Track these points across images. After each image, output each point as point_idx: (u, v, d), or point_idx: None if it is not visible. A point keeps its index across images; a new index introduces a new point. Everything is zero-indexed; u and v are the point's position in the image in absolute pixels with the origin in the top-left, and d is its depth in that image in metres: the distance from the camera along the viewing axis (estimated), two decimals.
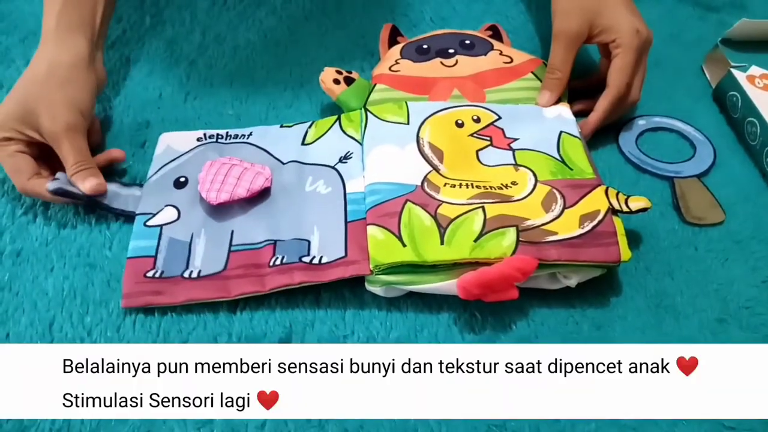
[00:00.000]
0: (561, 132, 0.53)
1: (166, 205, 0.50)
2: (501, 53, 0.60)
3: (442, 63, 0.59)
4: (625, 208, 0.47)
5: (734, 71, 0.60)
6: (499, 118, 0.55)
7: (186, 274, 0.47)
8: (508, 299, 0.43)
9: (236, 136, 0.56)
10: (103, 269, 0.48)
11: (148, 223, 0.49)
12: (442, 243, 0.45)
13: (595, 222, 0.46)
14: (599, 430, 0.41)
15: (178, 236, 0.49)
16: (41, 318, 0.45)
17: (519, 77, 0.58)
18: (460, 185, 0.49)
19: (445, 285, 0.45)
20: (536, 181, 0.49)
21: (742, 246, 0.51)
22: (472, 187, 0.49)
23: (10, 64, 0.64)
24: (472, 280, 0.43)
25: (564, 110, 0.55)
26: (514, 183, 0.49)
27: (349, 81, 0.57)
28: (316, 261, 0.46)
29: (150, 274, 0.46)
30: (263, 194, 0.51)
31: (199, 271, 0.47)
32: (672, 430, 0.41)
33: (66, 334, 0.45)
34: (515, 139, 0.53)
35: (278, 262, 0.47)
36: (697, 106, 0.62)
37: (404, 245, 0.45)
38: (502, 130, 0.54)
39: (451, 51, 0.60)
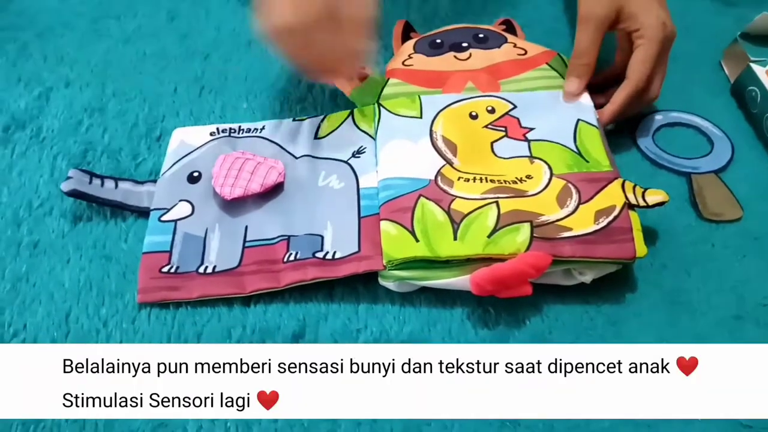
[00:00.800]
0: (578, 120, 0.53)
1: (180, 200, 0.51)
2: (515, 45, 0.60)
3: (455, 57, 0.59)
4: (642, 203, 0.46)
5: (753, 66, 0.59)
6: (515, 107, 0.54)
7: (201, 270, 0.47)
8: (522, 295, 0.43)
9: (249, 130, 0.56)
10: (119, 261, 0.48)
11: (162, 219, 0.49)
12: (455, 238, 0.45)
13: (610, 218, 0.45)
14: (613, 428, 0.41)
15: (193, 231, 0.49)
16: (58, 309, 0.46)
17: (533, 68, 0.57)
18: (474, 179, 0.49)
19: (459, 280, 0.44)
20: (551, 174, 0.49)
21: (759, 243, 0.50)
22: (486, 181, 0.49)
23: (28, 59, 0.65)
24: (485, 276, 0.43)
25: (583, 95, 0.54)
26: (528, 177, 0.49)
27: (362, 77, 0.57)
28: (329, 256, 0.47)
29: (165, 269, 0.47)
30: (276, 189, 0.51)
31: (214, 267, 0.47)
32: (687, 428, 0.41)
33: (82, 326, 0.45)
34: (531, 129, 0.53)
35: (292, 258, 0.47)
36: (715, 101, 0.61)
37: (417, 240, 0.45)
38: (518, 119, 0.53)
39: (464, 45, 0.59)
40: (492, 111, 0.54)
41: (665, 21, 0.52)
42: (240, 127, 0.56)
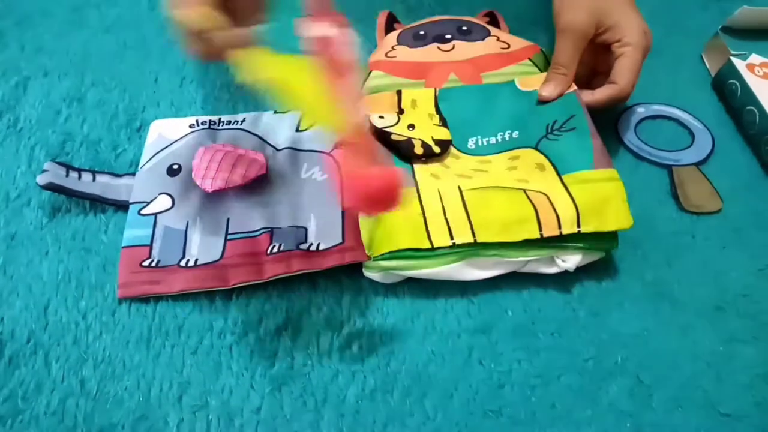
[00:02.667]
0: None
1: (160, 193, 0.50)
2: (498, 39, 0.60)
3: (439, 48, 0.58)
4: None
5: (734, 59, 0.59)
6: None
7: (182, 263, 0.46)
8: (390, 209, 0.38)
9: (229, 122, 0.55)
10: (99, 253, 0.48)
11: (142, 212, 0.49)
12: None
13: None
14: (596, 417, 0.41)
15: (174, 224, 0.48)
16: (36, 302, 0.45)
17: (516, 62, 0.58)
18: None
19: (444, 270, 0.45)
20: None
21: (739, 234, 0.51)
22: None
23: (4, 48, 0.64)
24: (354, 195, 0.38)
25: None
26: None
27: None
28: (313, 248, 0.46)
29: (146, 263, 0.46)
30: (258, 181, 0.50)
31: (196, 260, 0.46)
32: (668, 417, 0.41)
33: (60, 318, 0.44)
34: None
35: (276, 250, 0.46)
36: (696, 94, 0.61)
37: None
38: None
39: (448, 36, 0.59)
40: None
41: (645, 29, 0.52)
42: (220, 119, 0.55)
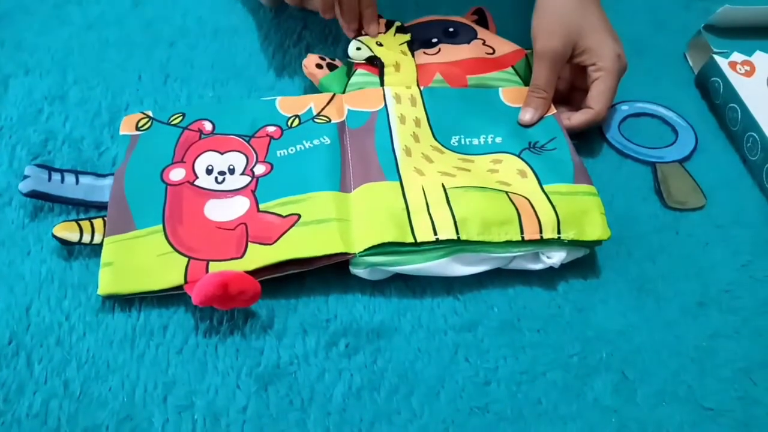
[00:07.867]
0: None
1: None
2: (484, 42, 0.60)
3: (424, 53, 0.58)
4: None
5: (716, 57, 0.60)
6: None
7: None
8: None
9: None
10: (81, 252, 0.47)
11: None
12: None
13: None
14: (581, 413, 0.41)
15: None
16: (18, 302, 0.45)
17: (499, 70, 0.58)
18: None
19: (430, 265, 0.45)
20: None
21: (722, 230, 0.51)
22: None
23: None
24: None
25: None
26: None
27: (332, 67, 0.57)
28: None
29: None
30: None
31: None
32: (653, 412, 0.41)
33: (44, 319, 0.44)
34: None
35: None
36: (679, 92, 0.62)
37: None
38: None
39: (434, 41, 0.59)
40: None
41: (620, 53, 0.53)
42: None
